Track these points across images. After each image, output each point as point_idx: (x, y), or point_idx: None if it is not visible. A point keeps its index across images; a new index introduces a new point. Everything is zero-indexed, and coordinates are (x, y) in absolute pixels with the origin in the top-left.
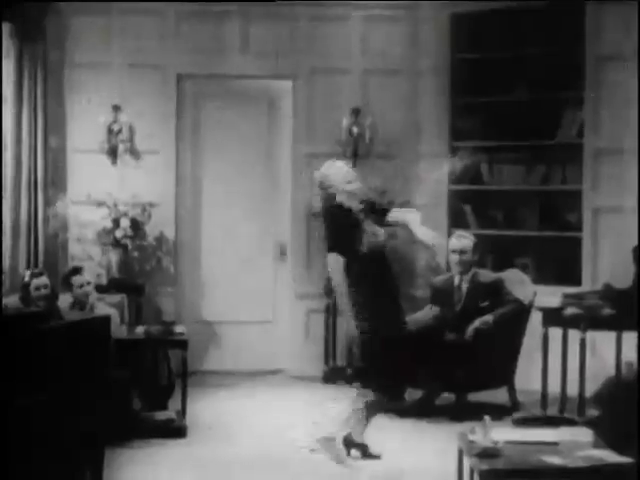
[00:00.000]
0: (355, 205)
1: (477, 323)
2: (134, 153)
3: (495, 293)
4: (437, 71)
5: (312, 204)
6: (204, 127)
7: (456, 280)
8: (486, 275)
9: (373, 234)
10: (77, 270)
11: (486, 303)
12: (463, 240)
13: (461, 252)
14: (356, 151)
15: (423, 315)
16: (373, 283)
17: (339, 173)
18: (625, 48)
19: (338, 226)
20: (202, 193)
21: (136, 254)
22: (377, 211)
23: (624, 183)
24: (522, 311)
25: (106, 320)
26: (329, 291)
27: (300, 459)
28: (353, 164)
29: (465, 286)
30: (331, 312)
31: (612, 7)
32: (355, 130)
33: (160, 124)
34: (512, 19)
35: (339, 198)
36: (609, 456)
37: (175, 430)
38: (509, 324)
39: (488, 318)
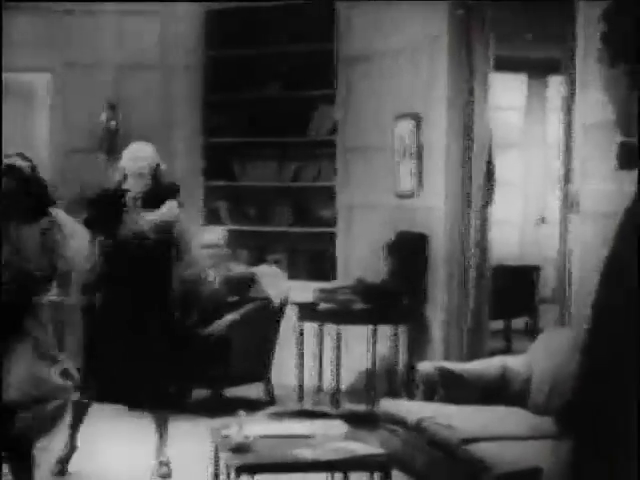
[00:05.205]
0: (138, 186)
1: (226, 319)
2: None
3: (245, 288)
4: (190, 67)
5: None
6: None
7: (207, 274)
8: (237, 270)
9: (135, 222)
10: None
11: (236, 298)
12: (213, 234)
13: (212, 246)
14: (112, 146)
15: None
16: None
17: (130, 153)
18: (374, 48)
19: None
20: None
21: None
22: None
23: (376, 180)
24: (272, 307)
25: None
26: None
27: None
28: (110, 159)
29: (216, 280)
30: None
31: (362, 7)
32: (111, 125)
33: None
34: (265, 17)
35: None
36: (360, 448)
37: None
38: (260, 320)
39: (232, 316)
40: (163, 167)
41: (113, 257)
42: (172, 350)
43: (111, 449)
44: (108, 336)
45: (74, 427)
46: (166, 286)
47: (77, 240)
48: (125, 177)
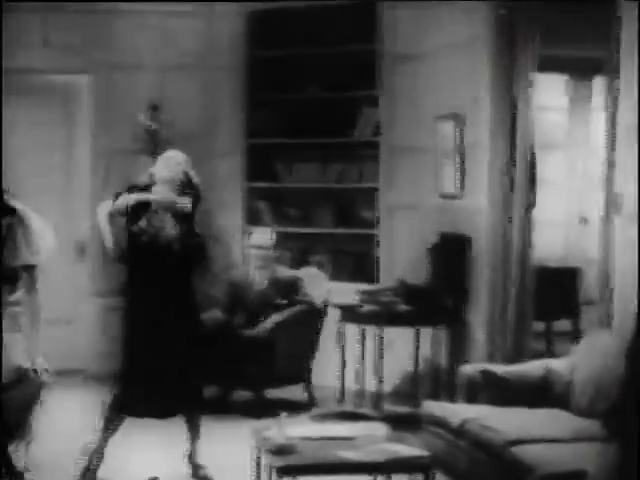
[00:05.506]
0: (163, 191)
1: (268, 322)
2: None
3: (292, 291)
4: (232, 68)
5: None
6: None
7: (254, 276)
8: (284, 272)
9: (160, 223)
10: None
11: (283, 301)
12: (263, 236)
13: (261, 247)
14: (154, 147)
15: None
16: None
17: (162, 160)
18: (418, 48)
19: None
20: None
21: None
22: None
23: (419, 181)
24: (315, 310)
25: None
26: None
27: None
28: (152, 160)
29: (263, 282)
30: None
31: (405, 7)
32: (152, 126)
33: None
34: (308, 17)
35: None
36: (403, 450)
37: None
38: (304, 322)
39: (276, 318)
40: (195, 179)
41: (140, 257)
42: (210, 351)
43: (141, 456)
44: (142, 342)
45: (105, 439)
46: (193, 285)
47: (42, 235)
48: (154, 182)
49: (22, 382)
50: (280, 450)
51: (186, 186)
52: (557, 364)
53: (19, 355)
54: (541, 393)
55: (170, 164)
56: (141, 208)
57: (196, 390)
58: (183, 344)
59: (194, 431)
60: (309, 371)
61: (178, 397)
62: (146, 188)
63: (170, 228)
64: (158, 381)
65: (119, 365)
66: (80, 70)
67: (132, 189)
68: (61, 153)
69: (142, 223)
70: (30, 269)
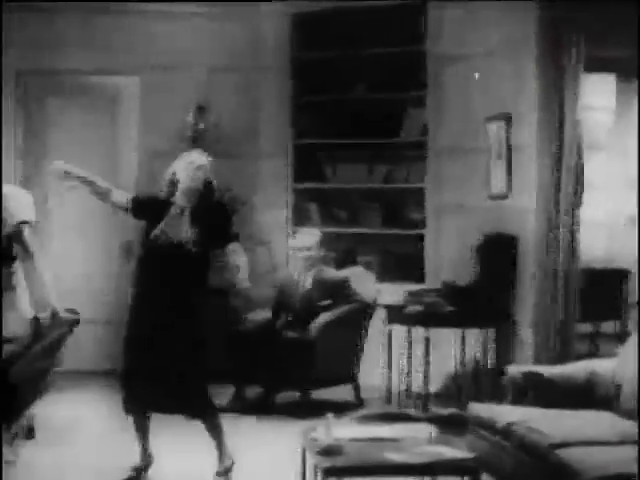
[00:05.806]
0: (183, 201)
1: (320, 321)
2: None
3: (339, 291)
4: (279, 69)
5: None
6: (48, 124)
7: (300, 277)
8: (330, 273)
9: (177, 227)
10: None
11: (329, 301)
12: (308, 237)
13: (306, 249)
14: (201, 148)
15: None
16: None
17: (182, 165)
18: (466, 48)
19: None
20: (47, 192)
21: None
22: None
23: (466, 181)
24: (364, 310)
25: None
26: None
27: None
28: None
29: (309, 283)
30: None
31: (452, 8)
32: (200, 127)
33: None
34: (354, 18)
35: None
36: (449, 452)
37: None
38: (351, 322)
39: (327, 316)
40: (213, 183)
41: (151, 256)
42: (254, 352)
43: (184, 459)
44: (143, 341)
45: (142, 439)
46: (198, 286)
47: (19, 198)
48: (174, 185)
49: (43, 331)
50: (327, 451)
51: (205, 196)
52: (603, 365)
53: (29, 308)
54: (587, 395)
55: (190, 171)
56: (162, 210)
57: (194, 392)
58: (183, 344)
59: (213, 433)
60: (356, 372)
61: (176, 396)
62: (168, 198)
63: (185, 232)
64: (157, 379)
65: (122, 365)
66: (127, 72)
67: (153, 199)
68: (107, 155)
69: (161, 225)
70: (18, 238)
